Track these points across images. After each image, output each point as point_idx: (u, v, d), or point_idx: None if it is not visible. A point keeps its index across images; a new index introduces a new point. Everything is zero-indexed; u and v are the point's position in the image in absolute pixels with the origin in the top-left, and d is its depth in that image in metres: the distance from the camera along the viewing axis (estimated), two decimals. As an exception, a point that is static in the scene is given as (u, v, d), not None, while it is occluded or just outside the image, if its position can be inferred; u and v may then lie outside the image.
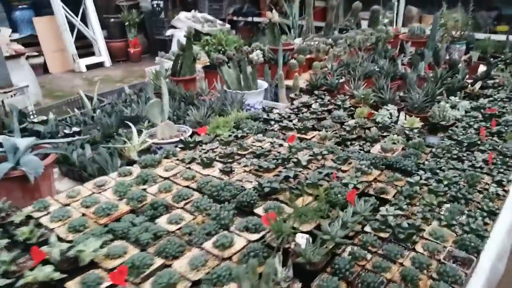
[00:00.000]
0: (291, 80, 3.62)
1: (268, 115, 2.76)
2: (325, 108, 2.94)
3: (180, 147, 2.37)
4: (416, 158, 2.14)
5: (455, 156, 2.14)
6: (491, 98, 3.00)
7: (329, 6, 4.40)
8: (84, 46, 8.37)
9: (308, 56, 4.10)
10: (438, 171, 2.01)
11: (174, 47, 7.87)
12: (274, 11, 3.94)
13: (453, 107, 2.90)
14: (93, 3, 8.11)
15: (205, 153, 2.27)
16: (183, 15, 8.05)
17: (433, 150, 2.22)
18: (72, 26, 7.94)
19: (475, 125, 2.55)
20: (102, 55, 8.29)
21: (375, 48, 4.21)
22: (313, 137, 2.51)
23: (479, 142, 2.29)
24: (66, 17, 7.74)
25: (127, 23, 8.35)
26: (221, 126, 2.56)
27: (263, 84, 3.34)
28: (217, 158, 2.21)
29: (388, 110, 2.72)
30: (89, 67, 8.06)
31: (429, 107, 2.82)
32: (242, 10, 8.87)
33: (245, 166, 2.12)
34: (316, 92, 3.19)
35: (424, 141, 2.39)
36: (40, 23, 7.73)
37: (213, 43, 3.79)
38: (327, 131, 2.53)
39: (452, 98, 2.94)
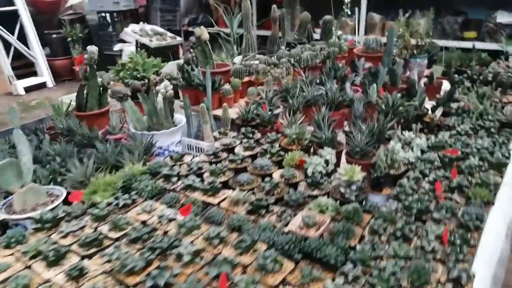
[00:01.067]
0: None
1: (172, 168, 2.14)
2: (251, 153, 2.35)
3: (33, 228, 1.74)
4: (347, 238, 1.56)
5: (399, 234, 1.56)
6: (453, 132, 2.45)
7: (272, 18, 3.84)
8: (24, 66, 7.64)
9: (248, 78, 3.52)
10: (373, 262, 1.43)
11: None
12: (202, 27, 3.34)
13: (408, 143, 2.35)
14: (32, 19, 7.40)
15: (64, 237, 1.65)
16: (130, 28, 7.40)
17: (372, 223, 1.64)
18: (8, 45, 7.22)
19: (431, 175, 1.99)
20: (44, 75, 7.56)
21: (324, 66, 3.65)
22: (223, 200, 1.91)
23: (432, 208, 1.72)
24: (1, 34, 7.02)
25: (70, 39, 7.64)
26: (101, 190, 1.93)
27: (181, 119, 2.73)
28: (75, 247, 1.59)
29: (323, 156, 2.14)
30: (30, 88, 7.32)
31: (376, 148, 2.26)
32: (197, 20, 8.28)
33: (107, 262, 1.50)
34: (244, 129, 2.59)
35: (363, 204, 1.82)
36: (-30, 42, 6.99)
37: (129, 67, 3.17)
38: (243, 190, 1.94)
39: (405, 133, 2.38)
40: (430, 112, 2.90)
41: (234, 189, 1.97)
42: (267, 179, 1.97)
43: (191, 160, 2.28)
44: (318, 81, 3.35)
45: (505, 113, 2.70)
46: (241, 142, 2.45)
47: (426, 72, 3.89)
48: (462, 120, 2.61)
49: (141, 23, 7.61)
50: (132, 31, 7.34)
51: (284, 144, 2.39)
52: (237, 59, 3.78)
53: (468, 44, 5.40)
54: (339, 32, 4.29)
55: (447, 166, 2.06)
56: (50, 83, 7.63)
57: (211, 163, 2.24)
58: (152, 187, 1.97)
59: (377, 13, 6.18)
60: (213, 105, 3.22)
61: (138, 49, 6.81)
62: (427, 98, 3.17)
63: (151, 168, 2.15)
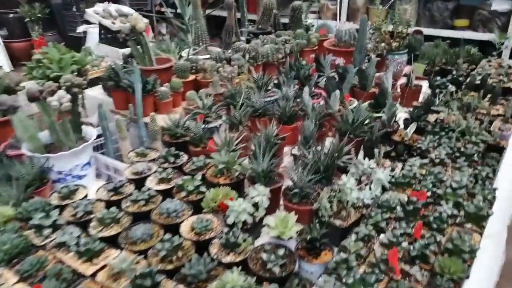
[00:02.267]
0: (163, 114, 2.50)
1: (48, 214, 1.61)
2: (166, 187, 1.83)
3: None
4: None
5: None
6: (425, 160, 1.93)
7: (226, 6, 3.26)
8: (-22, 48, 6.99)
9: (193, 77, 2.97)
10: None
11: (89, 46, 6.68)
12: (135, 14, 2.77)
13: (368, 176, 1.84)
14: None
15: None
16: (93, 8, 6.74)
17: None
18: (-43, 25, 6.57)
19: (388, 232, 1.48)
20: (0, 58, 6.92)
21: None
22: (101, 269, 1.40)
23: (379, 298, 1.23)
24: None
25: (27, 19, 6.96)
26: None
27: (91, 134, 2.19)
28: None
29: (252, 197, 1.62)
30: (-17, 73, 6.69)
31: (325, 185, 1.75)
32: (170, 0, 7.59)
33: None
34: (166, 150, 2.06)
35: (293, 277, 1.32)
36: None
37: (42, 65, 2.61)
38: (133, 252, 1.43)
39: (365, 162, 1.87)
40: (402, 127, 2.38)
41: (122, 249, 1.46)
42: (167, 235, 1.46)
43: (82, 198, 1.76)
44: (276, 82, 2.81)
45: (492, 131, 2.19)
46: (158, 168, 1.92)
47: (406, 70, 3.36)
48: (439, 141, 2.10)
49: (106, 2, 6.94)
50: (94, 12, 6.69)
51: (209, 175, 1.86)
52: (186, 52, 3.21)
53: (458, 34, 4.87)
54: (309, 20, 3.72)
55: (410, 217, 1.56)
56: (6, 67, 6.98)
57: (108, 202, 1.72)
58: (11, 245, 1.46)
59: (361, -4, 5.58)
60: (146, 111, 2.69)
61: (102, 32, 6.21)
62: (401, 107, 2.66)
63: (23, 212, 1.63)
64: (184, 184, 1.74)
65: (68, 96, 1.94)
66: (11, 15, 7.10)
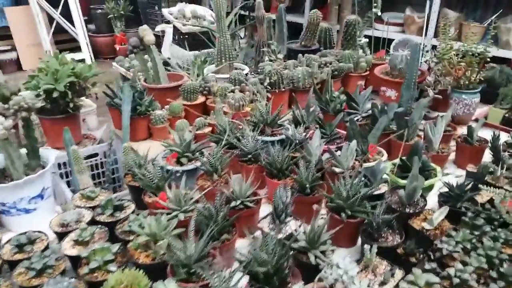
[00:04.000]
0: (157, 141, 2.15)
1: None
2: (79, 252, 1.45)
3: None
4: None
5: None
6: (436, 278, 1.28)
7: (256, 18, 2.77)
8: (68, 41, 7.45)
9: (202, 100, 2.57)
10: None
11: (166, 46, 6.74)
12: (145, 26, 2.46)
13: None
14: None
15: None
16: (170, 9, 6.72)
17: None
18: (51, 19, 7.02)
19: None
20: (83, 51, 7.28)
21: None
22: None
23: None
24: (43, 7, 6.82)
25: (111, 16, 7.21)
26: None
27: (48, 158, 1.90)
28: None
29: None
30: (67, 64, 7.10)
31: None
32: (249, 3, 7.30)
33: None
34: (112, 197, 1.69)
35: None
36: (13, 13, 6.90)
37: (42, 75, 2.42)
38: None
39: (345, 263, 1.29)
40: (435, 206, 1.72)
41: None
42: None
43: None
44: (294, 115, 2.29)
45: None
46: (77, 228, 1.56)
47: (478, 113, 2.57)
48: (474, 244, 1.41)
49: (183, 3, 6.89)
50: (168, 12, 6.67)
51: (131, 248, 1.44)
52: (209, 69, 2.82)
53: None
54: (363, 40, 3.07)
55: None
56: (88, 60, 7.34)
57: (10, 263, 1.40)
58: None
59: (453, 9, 4.67)
60: (137, 135, 2.37)
61: (175, 33, 6.17)
62: (452, 169, 1.97)
63: None
64: (89, 257, 1.35)
65: (9, 122, 1.67)
66: (99, 11, 7.43)
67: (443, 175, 1.98)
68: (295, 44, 3.23)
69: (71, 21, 7.11)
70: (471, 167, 1.96)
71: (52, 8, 6.96)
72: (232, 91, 2.42)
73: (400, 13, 5.25)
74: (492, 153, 1.90)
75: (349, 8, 4.01)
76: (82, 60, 7.32)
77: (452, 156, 2.19)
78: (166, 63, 3.00)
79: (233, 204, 1.56)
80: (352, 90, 2.56)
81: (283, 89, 2.56)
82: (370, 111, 2.27)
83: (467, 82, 2.41)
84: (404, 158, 1.85)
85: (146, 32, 2.48)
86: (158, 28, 7.03)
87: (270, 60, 2.84)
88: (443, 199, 1.69)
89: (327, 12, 4.69)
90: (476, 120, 2.53)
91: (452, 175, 2.06)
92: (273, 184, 1.79)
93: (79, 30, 7.23)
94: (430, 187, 1.83)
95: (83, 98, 2.36)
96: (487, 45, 2.37)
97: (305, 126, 2.19)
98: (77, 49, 7.52)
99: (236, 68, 2.88)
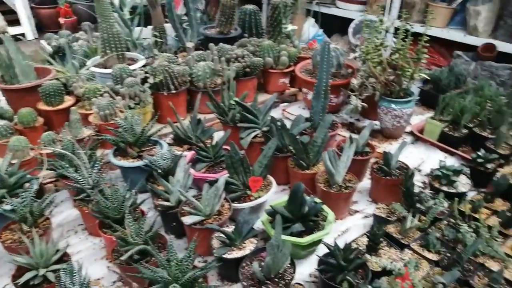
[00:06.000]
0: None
1: None
2: None
3: None
4: None
5: None
6: None
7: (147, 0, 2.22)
8: (5, 12, 6.71)
9: (70, 103, 2.05)
10: None
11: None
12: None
13: None
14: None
15: None
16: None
17: None
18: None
19: None
20: (23, 24, 6.58)
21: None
22: None
23: None
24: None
25: (54, -16, 6.49)
26: None
27: None
28: None
29: None
30: (5, 39, 6.40)
31: None
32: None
33: None
34: None
35: None
36: None
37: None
38: None
39: None
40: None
41: None
42: None
43: None
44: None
45: None
46: None
47: (416, 125, 2.10)
48: None
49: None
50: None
51: None
52: (94, 61, 2.26)
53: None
54: (290, 27, 2.54)
55: None
56: (30, 34, 6.65)
57: None
58: None
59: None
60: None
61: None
62: (364, 205, 1.52)
63: None
64: None
65: None
66: (42, -21, 6.69)
67: (338, 221, 1.52)
68: (214, 29, 2.68)
69: (7, -10, 6.39)
70: (381, 209, 1.50)
71: (-16, -25, 6.22)
72: (101, 94, 1.90)
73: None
74: (403, 196, 1.43)
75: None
76: (22, 35, 6.64)
77: (368, 185, 1.73)
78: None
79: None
80: (274, 90, 2.06)
81: (175, 91, 2.05)
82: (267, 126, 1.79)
83: (397, 89, 1.92)
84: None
85: None
86: None
87: (161, 52, 2.30)
88: (323, 267, 1.23)
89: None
90: (412, 133, 2.07)
91: (358, 215, 1.60)
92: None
93: (18, 0, 6.53)
94: (317, 242, 1.37)
95: None
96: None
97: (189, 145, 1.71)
98: (16, 22, 6.82)
99: (134, 60, 2.35)
